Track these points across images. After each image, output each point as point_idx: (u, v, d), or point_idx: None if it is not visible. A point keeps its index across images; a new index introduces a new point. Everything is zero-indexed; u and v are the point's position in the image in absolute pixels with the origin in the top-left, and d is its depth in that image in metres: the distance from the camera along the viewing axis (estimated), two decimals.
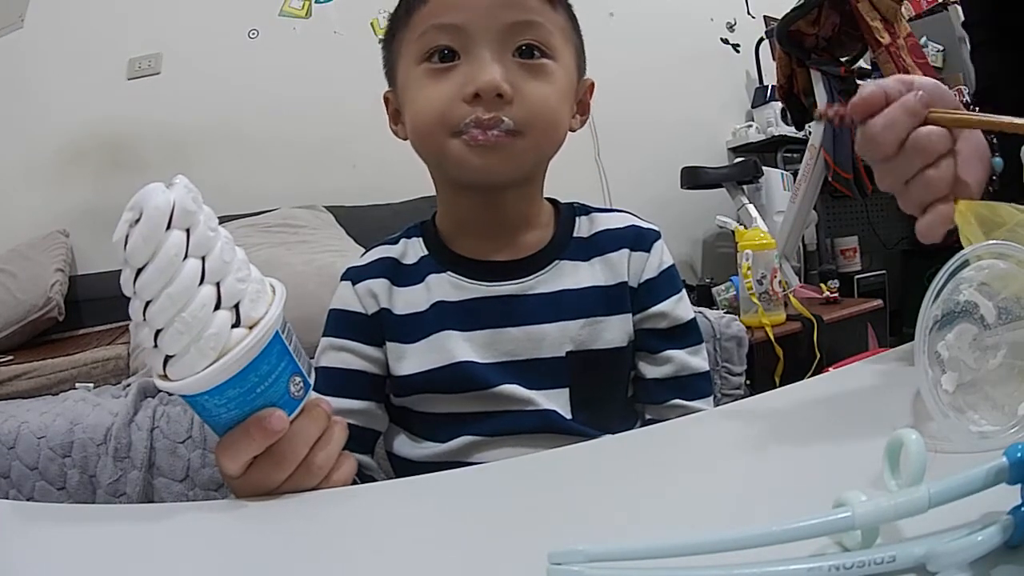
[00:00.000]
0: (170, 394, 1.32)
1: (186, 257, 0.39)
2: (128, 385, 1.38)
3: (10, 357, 1.59)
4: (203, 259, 0.40)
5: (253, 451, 0.43)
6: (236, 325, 0.41)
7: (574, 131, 0.67)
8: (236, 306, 0.41)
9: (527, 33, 0.59)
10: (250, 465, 0.44)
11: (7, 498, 1.13)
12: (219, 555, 0.37)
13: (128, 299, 0.40)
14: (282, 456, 0.44)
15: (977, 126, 0.47)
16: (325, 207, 2.07)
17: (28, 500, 1.14)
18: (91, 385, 1.49)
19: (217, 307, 0.40)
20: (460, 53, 0.59)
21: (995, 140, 0.52)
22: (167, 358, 0.40)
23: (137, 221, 0.39)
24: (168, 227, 0.39)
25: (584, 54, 0.67)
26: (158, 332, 0.39)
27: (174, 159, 2.19)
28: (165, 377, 0.41)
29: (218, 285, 0.40)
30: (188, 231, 0.39)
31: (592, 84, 0.69)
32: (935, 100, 0.47)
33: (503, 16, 0.58)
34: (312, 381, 0.46)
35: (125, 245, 0.39)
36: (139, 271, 0.39)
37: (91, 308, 1.92)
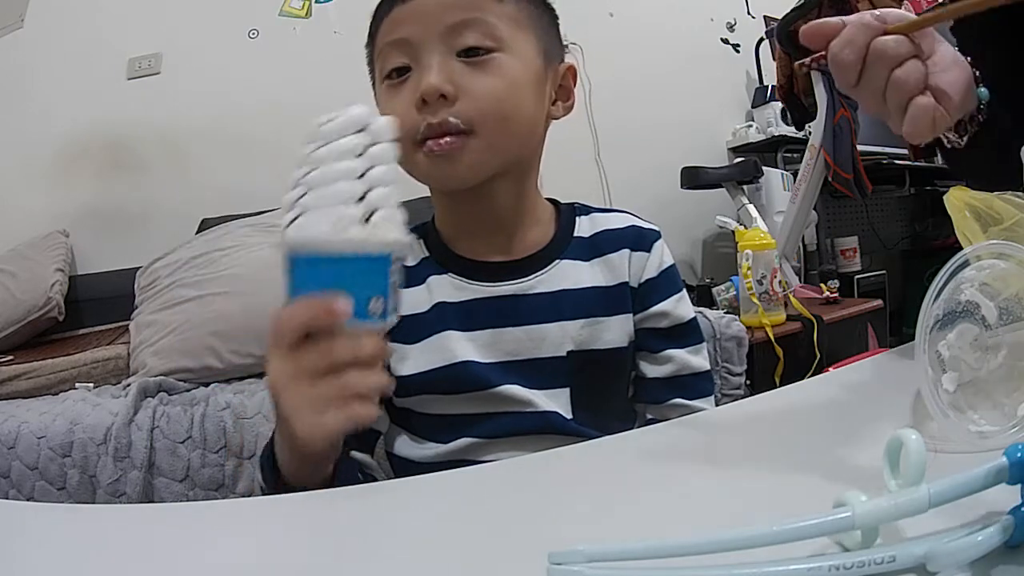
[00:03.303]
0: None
1: (360, 156, 0.46)
2: (128, 385, 1.38)
3: (10, 357, 1.59)
4: (370, 167, 0.46)
5: (306, 317, 0.45)
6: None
7: (557, 118, 0.67)
8: (372, 213, 0.46)
9: (468, 31, 0.60)
10: (297, 347, 0.45)
11: (7, 498, 1.13)
12: (219, 555, 0.37)
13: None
14: (328, 350, 0.45)
15: (933, 21, 0.47)
16: None
17: (28, 500, 1.14)
18: (91, 385, 1.48)
19: (359, 202, 0.46)
20: (412, 65, 0.60)
21: (978, 73, 0.52)
22: (296, 217, 0.46)
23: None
24: (359, 131, 0.46)
25: (557, 39, 0.67)
26: (303, 195, 0.46)
27: (174, 159, 2.19)
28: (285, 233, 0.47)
29: (369, 190, 0.46)
30: (371, 144, 0.46)
31: (572, 68, 0.68)
32: (893, 20, 0.47)
33: (443, 19, 0.59)
34: (393, 320, 0.48)
35: (322, 126, 0.46)
36: (321, 147, 0.46)
37: (91, 308, 1.92)
